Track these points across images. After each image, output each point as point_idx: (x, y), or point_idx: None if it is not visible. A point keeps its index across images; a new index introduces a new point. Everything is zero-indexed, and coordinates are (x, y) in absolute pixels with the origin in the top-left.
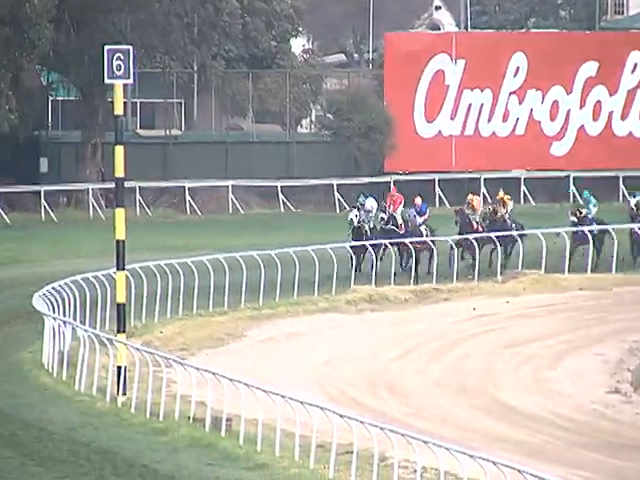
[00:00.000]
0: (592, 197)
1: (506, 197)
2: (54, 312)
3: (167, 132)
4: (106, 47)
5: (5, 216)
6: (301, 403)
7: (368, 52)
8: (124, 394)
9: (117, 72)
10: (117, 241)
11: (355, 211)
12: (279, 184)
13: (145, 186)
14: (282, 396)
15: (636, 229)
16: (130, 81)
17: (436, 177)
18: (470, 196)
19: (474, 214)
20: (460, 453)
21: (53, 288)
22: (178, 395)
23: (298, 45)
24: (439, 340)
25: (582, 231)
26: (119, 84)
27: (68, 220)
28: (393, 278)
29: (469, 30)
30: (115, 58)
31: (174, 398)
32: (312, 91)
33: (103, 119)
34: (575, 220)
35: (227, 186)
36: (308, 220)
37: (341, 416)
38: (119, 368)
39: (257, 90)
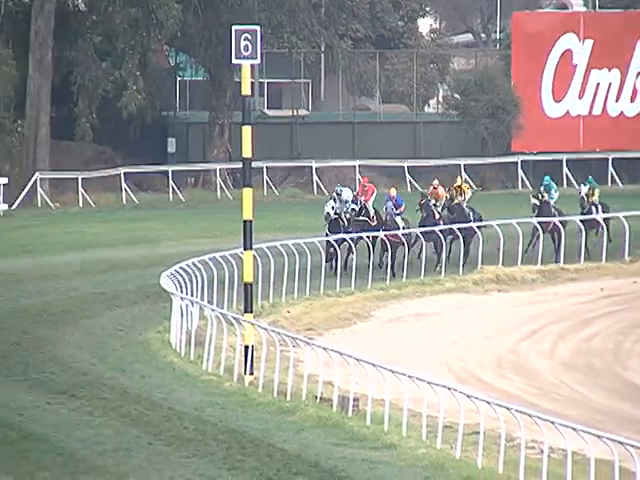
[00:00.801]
0: (553, 183)
1: (464, 185)
2: (182, 292)
3: (294, 112)
4: (234, 27)
5: (133, 196)
6: (428, 383)
7: (496, 32)
8: (251, 374)
9: (244, 52)
10: (244, 221)
11: (331, 202)
12: (406, 164)
13: (272, 166)
14: (409, 376)
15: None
16: (257, 61)
17: (564, 157)
18: (436, 182)
19: (438, 203)
20: (587, 434)
21: (181, 268)
22: (305, 375)
23: (425, 25)
24: (566, 320)
25: (543, 217)
26: (246, 64)
27: (195, 200)
28: (520, 258)
29: (597, 10)
30: (243, 38)
31: (301, 378)
32: (439, 71)
33: (230, 99)
34: (537, 203)
35: (354, 166)
36: None
37: (468, 396)
38: (246, 348)
39: (384, 70)
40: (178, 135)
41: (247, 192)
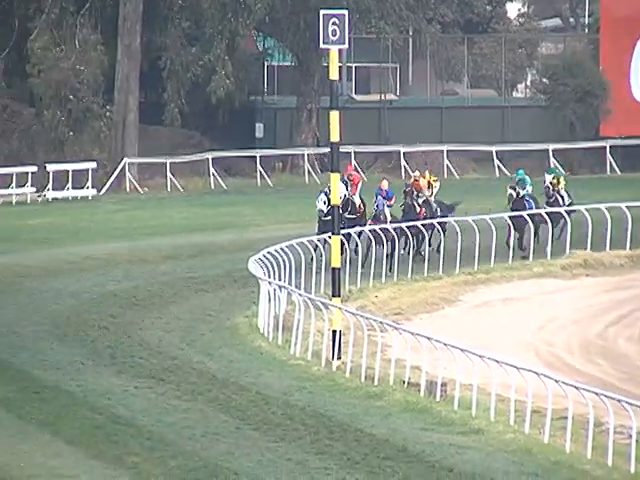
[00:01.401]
0: (527, 177)
1: (432, 178)
2: (270, 276)
3: (382, 97)
4: (322, 12)
5: (221, 181)
6: (516, 368)
7: (584, 16)
8: (339, 358)
9: (332, 37)
10: (332, 206)
11: (323, 196)
12: (494, 149)
13: (360, 151)
14: (497, 361)
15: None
16: (345, 46)
17: None
18: (417, 173)
19: (420, 195)
20: None
21: (269, 252)
22: (393, 359)
23: (514, 9)
24: None
25: (520, 215)
26: (334, 49)
27: (283, 185)
28: (609, 243)
29: None
30: (330, 23)
31: (389, 362)
32: (527, 55)
33: (318, 84)
34: (514, 195)
35: (442, 151)
36: None
37: (556, 381)
38: (334, 332)
39: (472, 55)
40: (266, 120)
41: (335, 177)
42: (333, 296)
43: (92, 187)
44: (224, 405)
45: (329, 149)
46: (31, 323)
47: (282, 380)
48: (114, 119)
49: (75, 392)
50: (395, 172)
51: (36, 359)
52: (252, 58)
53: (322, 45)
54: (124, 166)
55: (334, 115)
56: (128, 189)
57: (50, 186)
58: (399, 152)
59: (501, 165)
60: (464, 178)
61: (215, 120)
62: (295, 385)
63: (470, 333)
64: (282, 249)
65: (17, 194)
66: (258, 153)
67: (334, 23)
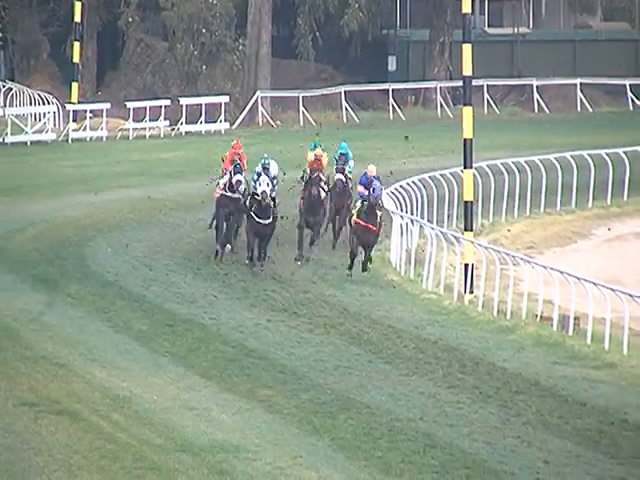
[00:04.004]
0: (350, 151)
1: (318, 151)
2: (402, 210)
3: (515, 30)
4: None
5: (354, 114)
6: None
7: None
8: (471, 292)
9: None
10: (464, 139)
11: (266, 179)
12: (627, 82)
13: (493, 84)
14: (630, 295)
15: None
16: None
17: None
18: (319, 151)
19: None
20: None
21: (400, 186)
22: (525, 293)
23: None
24: None
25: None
26: None
27: (415, 118)
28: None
29: None
30: None
31: (521, 296)
32: None
33: (451, 17)
34: (342, 179)
35: (575, 84)
36: None
37: None
38: (466, 266)
39: None
40: (399, 53)
41: (467, 110)
42: (465, 230)
43: (225, 121)
44: (356, 338)
45: (462, 82)
46: (164, 256)
47: (414, 314)
48: (247, 53)
49: (208, 325)
50: (528, 105)
51: (169, 292)
52: None
53: None
54: (257, 100)
55: (467, 48)
56: (261, 123)
57: (183, 120)
58: (532, 85)
59: (635, 98)
60: (597, 111)
61: (347, 53)
62: (427, 319)
63: (603, 267)
64: (414, 182)
65: (150, 128)
66: (390, 86)
67: None
